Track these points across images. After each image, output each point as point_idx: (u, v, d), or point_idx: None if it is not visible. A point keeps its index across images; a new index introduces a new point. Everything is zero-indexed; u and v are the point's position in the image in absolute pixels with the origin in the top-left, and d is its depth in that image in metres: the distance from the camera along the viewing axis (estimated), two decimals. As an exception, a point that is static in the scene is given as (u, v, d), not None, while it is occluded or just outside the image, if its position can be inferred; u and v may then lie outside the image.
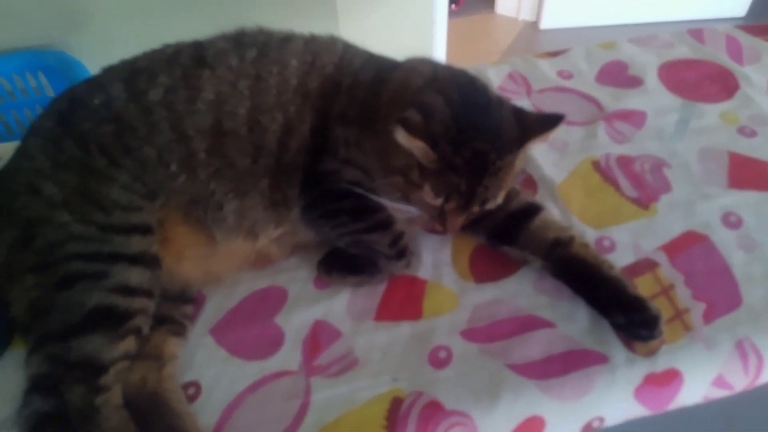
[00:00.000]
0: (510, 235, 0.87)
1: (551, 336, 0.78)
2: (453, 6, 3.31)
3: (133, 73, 0.86)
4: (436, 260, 0.90)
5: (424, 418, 0.71)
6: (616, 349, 0.76)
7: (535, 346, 0.77)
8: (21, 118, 1.89)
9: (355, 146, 0.85)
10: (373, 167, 0.85)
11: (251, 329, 0.83)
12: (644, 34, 1.36)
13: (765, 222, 0.90)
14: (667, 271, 0.85)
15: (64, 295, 0.73)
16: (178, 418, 0.70)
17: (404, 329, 0.81)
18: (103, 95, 0.83)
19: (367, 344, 0.80)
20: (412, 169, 0.78)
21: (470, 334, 0.80)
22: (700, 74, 1.22)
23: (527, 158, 0.87)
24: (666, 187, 0.98)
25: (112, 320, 0.72)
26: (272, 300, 0.87)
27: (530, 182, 1.01)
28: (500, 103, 0.82)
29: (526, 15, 3.31)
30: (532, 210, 0.88)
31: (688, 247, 0.88)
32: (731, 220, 0.91)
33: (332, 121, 0.86)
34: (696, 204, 0.94)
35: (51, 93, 1.88)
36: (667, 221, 0.92)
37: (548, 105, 1.16)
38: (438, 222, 0.82)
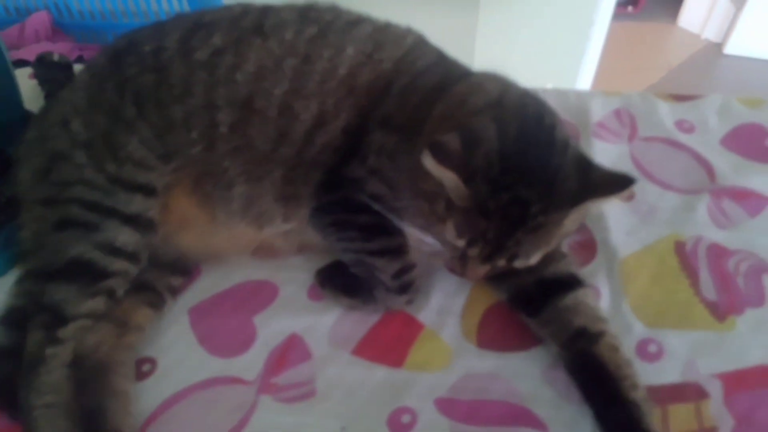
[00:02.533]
0: (533, 305, 0.74)
1: (538, 441, 0.66)
2: (630, 8, 2.99)
3: (195, 26, 0.81)
4: (445, 306, 0.79)
5: (356, 486, 0.63)
6: (613, 484, 0.62)
7: (514, 447, 0.65)
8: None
9: (389, 157, 0.75)
10: (402, 185, 0.75)
11: (229, 321, 0.78)
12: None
13: None
14: (716, 407, 0.67)
15: (56, 237, 0.73)
16: (112, 398, 0.67)
17: (378, 374, 0.72)
18: (156, 43, 0.80)
19: (333, 378, 0.72)
20: (439, 200, 0.67)
21: (447, 406, 0.69)
22: None
23: (582, 218, 0.72)
24: (759, 299, 0.78)
25: (87, 275, 0.71)
26: (261, 296, 0.81)
27: (589, 245, 0.85)
28: (565, 147, 0.67)
29: (710, 34, 2.91)
30: (569, 283, 0.74)
31: (758, 386, 0.69)
32: (833, 371, 0.70)
33: (372, 123, 0.77)
34: (791, 333, 0.74)
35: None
36: (743, 344, 0.73)
37: (649, 157, 0.97)
38: (458, 264, 0.71)
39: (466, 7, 1.93)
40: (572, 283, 0.74)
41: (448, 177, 0.63)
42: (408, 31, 0.85)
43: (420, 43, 0.84)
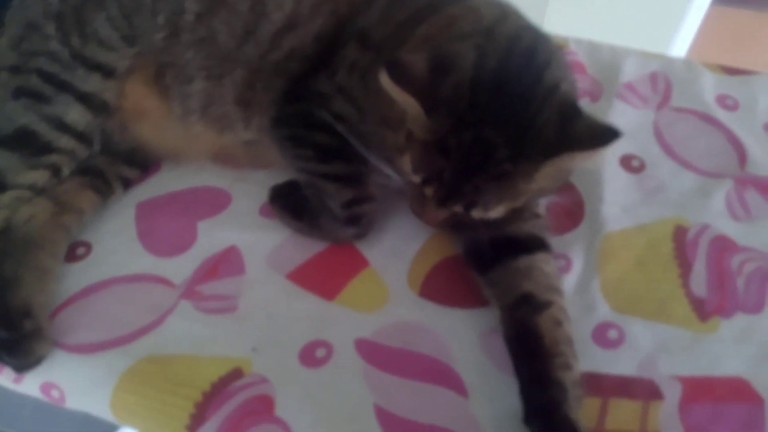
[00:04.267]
0: (485, 261, 0.66)
1: (453, 405, 0.59)
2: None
3: None
4: (397, 248, 0.73)
5: (240, 413, 0.58)
6: (518, 467, 0.56)
7: (425, 405, 0.59)
8: None
9: (360, 76, 0.68)
10: (370, 109, 0.68)
11: (173, 222, 0.75)
12: None
13: None
14: (667, 413, 0.59)
15: (10, 105, 0.71)
16: (32, 273, 0.65)
17: (306, 303, 0.67)
18: None
19: (258, 298, 0.68)
20: (401, 129, 0.60)
21: (367, 348, 0.63)
22: None
23: (562, 176, 0.63)
24: (756, 306, 0.67)
25: (31, 146, 0.70)
26: (213, 203, 0.77)
27: (576, 212, 0.76)
28: (551, 91, 0.58)
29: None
30: (529, 245, 0.66)
31: (725, 398, 0.60)
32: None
33: (349, 35, 0.70)
34: (782, 350, 0.63)
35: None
36: (721, 350, 0.63)
37: (675, 130, 0.85)
38: (416, 204, 0.64)
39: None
40: (533, 245, 0.66)
41: (408, 102, 0.56)
42: None
43: None
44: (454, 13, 0.66)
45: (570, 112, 0.57)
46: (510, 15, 0.67)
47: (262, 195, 0.77)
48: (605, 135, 0.54)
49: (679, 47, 2.05)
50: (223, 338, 0.64)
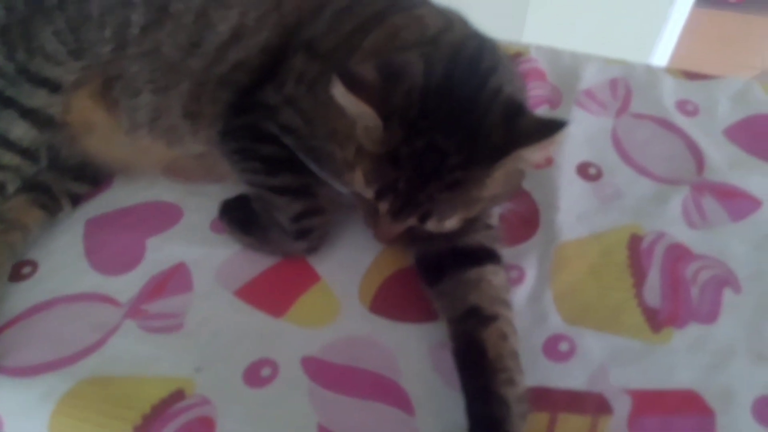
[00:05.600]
0: (434, 273, 0.65)
1: (399, 423, 0.58)
2: (733, -4, 2.67)
3: None
4: (349, 262, 0.71)
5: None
6: (463, 486, 0.54)
7: (370, 424, 0.58)
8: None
9: (308, 87, 0.68)
10: (318, 121, 0.67)
11: (121, 239, 0.74)
12: None
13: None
14: (616, 426, 0.58)
15: None
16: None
17: (253, 320, 0.66)
18: None
19: (205, 316, 0.66)
20: (351, 145, 0.59)
21: (313, 366, 0.62)
22: None
23: (513, 181, 0.62)
24: (710, 316, 0.66)
25: None
26: (163, 218, 0.76)
27: (531, 221, 0.75)
28: (495, 94, 0.57)
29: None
30: (479, 257, 0.65)
31: (675, 411, 0.59)
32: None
33: (296, 46, 0.69)
34: (734, 359, 0.62)
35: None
36: (673, 361, 0.63)
37: (633, 137, 0.84)
38: (370, 220, 0.64)
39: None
40: (483, 257, 0.65)
41: (362, 112, 0.54)
42: None
43: None
44: (397, 22, 0.66)
45: (513, 111, 0.57)
46: (455, 24, 0.67)
47: (214, 209, 0.76)
48: (550, 126, 0.54)
49: (662, 52, 2.04)
50: (167, 358, 0.63)
